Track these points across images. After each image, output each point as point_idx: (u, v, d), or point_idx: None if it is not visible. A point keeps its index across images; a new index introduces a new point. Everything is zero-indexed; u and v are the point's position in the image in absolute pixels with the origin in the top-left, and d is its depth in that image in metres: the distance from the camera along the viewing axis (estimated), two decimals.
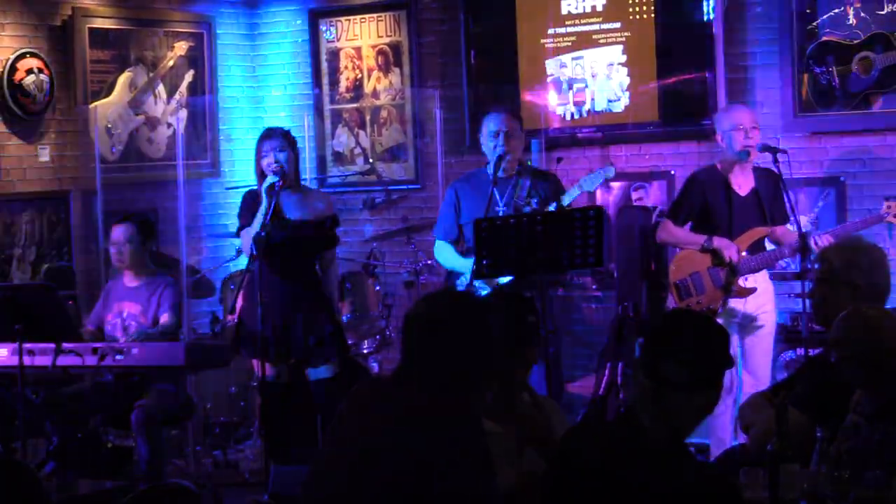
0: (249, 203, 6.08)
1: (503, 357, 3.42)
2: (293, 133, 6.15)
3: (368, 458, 3.14)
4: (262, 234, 5.83)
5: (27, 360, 5.73)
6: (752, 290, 5.97)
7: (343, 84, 8.51)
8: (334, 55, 8.53)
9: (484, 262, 5.48)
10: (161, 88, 8.19)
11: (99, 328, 6.46)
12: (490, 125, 6.05)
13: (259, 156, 6.02)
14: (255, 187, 6.07)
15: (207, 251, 8.52)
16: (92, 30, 7.77)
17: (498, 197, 6.02)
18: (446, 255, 6.22)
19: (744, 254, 5.97)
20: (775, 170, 5.91)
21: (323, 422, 6.12)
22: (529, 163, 6.18)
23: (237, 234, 6.30)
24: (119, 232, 6.40)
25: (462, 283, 6.07)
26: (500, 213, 5.94)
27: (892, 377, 3.56)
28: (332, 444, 3.31)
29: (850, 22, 6.80)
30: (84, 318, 6.81)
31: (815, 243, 5.73)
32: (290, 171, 5.98)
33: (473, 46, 7.93)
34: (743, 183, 6.06)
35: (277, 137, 5.99)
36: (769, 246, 6.11)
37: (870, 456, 3.50)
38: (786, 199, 5.95)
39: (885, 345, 3.56)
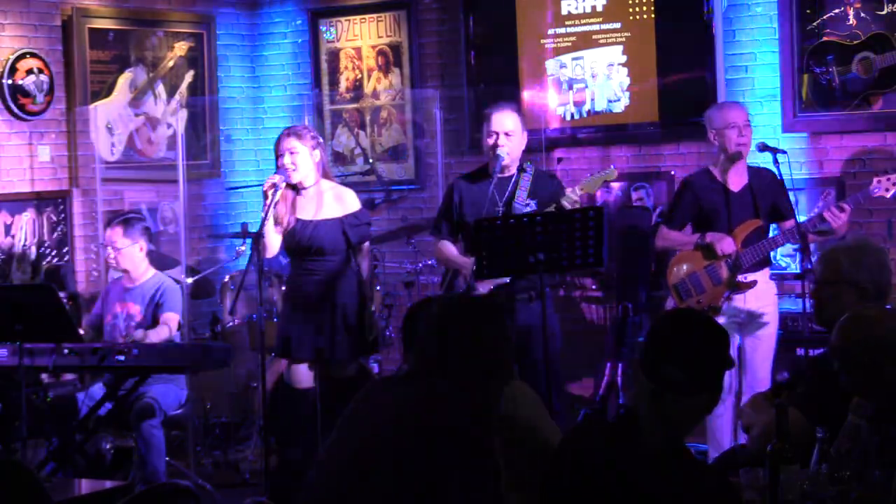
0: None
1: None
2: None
3: (377, 452, 3.14)
4: (262, 234, 5.83)
5: (27, 361, 5.74)
6: (753, 284, 5.94)
7: (343, 84, 8.51)
8: (334, 55, 8.53)
9: (483, 263, 5.48)
10: (161, 88, 8.20)
11: (96, 330, 6.45)
12: (489, 124, 6.03)
13: (276, 154, 5.98)
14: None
15: (207, 252, 8.52)
16: (92, 30, 7.78)
17: (497, 196, 6.00)
18: (449, 253, 6.21)
19: (739, 245, 5.96)
20: (774, 168, 5.90)
21: (327, 420, 6.10)
22: (529, 163, 6.15)
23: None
24: (110, 234, 6.39)
25: (461, 283, 6.07)
26: (500, 213, 5.92)
27: (890, 378, 3.55)
28: (342, 439, 3.30)
29: (850, 22, 6.80)
30: (84, 318, 6.81)
31: (832, 214, 5.74)
32: (305, 172, 5.93)
33: (473, 46, 7.93)
34: (737, 180, 6.06)
35: (292, 139, 5.94)
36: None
37: (870, 456, 3.49)
38: (787, 195, 5.95)
39: (883, 343, 3.55)
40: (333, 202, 6.02)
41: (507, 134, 5.94)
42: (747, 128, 5.98)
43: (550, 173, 6.26)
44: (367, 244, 6.14)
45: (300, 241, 5.92)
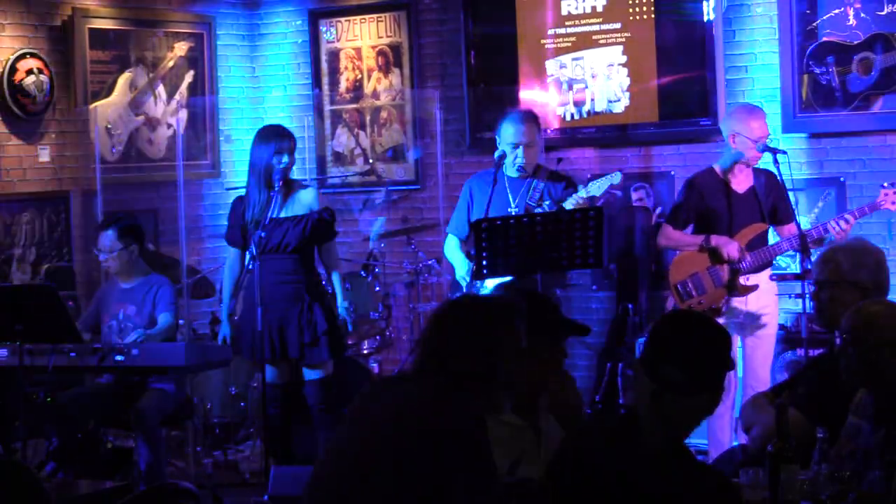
0: (240, 211, 6.08)
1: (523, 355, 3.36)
2: (294, 133, 6.20)
3: (377, 453, 3.13)
4: (263, 234, 5.84)
5: (27, 360, 5.74)
6: (754, 288, 5.96)
7: (343, 84, 8.51)
8: (334, 55, 8.53)
9: (484, 263, 5.48)
10: (161, 89, 8.19)
11: (90, 331, 6.43)
12: (508, 134, 6.03)
13: (270, 153, 5.99)
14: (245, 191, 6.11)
15: (207, 251, 8.52)
16: (92, 30, 7.77)
17: (511, 198, 6.04)
18: (450, 249, 6.25)
19: (743, 250, 5.97)
20: (775, 170, 5.91)
21: (316, 422, 6.12)
22: (543, 165, 6.18)
23: (227, 241, 6.25)
24: (102, 238, 6.37)
25: (461, 277, 6.09)
26: (512, 213, 5.94)
27: (891, 378, 3.55)
28: (343, 439, 3.29)
29: (850, 22, 6.80)
30: (78, 320, 6.80)
31: (837, 228, 5.77)
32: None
33: (473, 46, 7.93)
34: (742, 181, 6.07)
35: (290, 139, 6.04)
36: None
37: (871, 457, 3.50)
38: (788, 199, 5.96)
39: (885, 337, 3.55)
40: (300, 200, 6.07)
41: (527, 145, 5.99)
42: (763, 139, 6.00)
43: (565, 176, 6.27)
44: (334, 241, 6.19)
45: (271, 239, 5.93)
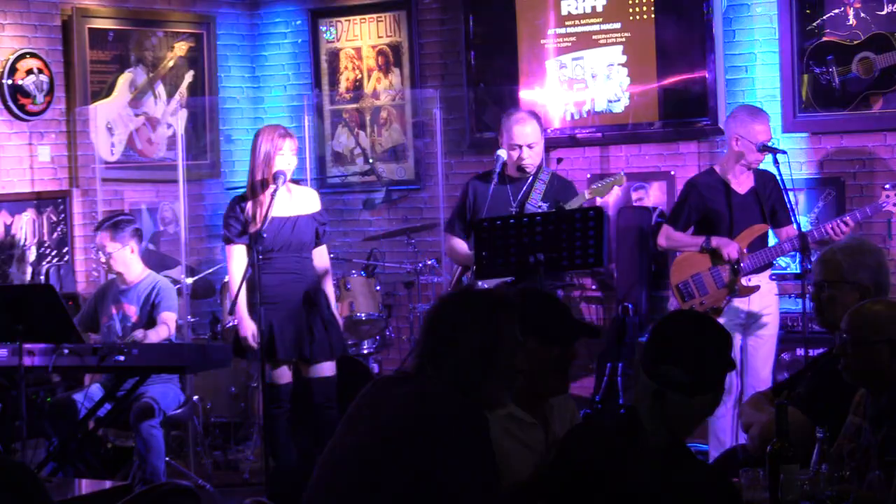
0: (240, 209, 6.07)
1: (523, 353, 3.35)
2: (294, 133, 6.21)
3: (377, 451, 3.13)
4: (265, 234, 5.84)
5: (27, 361, 5.73)
6: (756, 289, 5.97)
7: (343, 84, 8.51)
8: (334, 55, 8.53)
9: (484, 263, 5.48)
10: (161, 88, 8.20)
11: (85, 328, 6.43)
12: (510, 135, 6.01)
13: (274, 152, 5.99)
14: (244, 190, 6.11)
15: (207, 252, 8.52)
16: (92, 30, 7.78)
17: (511, 198, 6.04)
18: (457, 248, 6.25)
19: (744, 251, 5.98)
20: (775, 170, 5.92)
21: (320, 420, 6.12)
22: (546, 166, 6.18)
23: (225, 242, 6.22)
24: (101, 238, 6.37)
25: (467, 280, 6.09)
26: (513, 214, 5.94)
27: (892, 373, 3.55)
28: (343, 437, 3.29)
29: (850, 22, 6.80)
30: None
31: (837, 230, 5.77)
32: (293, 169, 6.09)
33: (473, 46, 7.92)
34: (742, 182, 6.08)
35: (291, 138, 6.05)
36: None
37: (871, 457, 3.50)
38: (787, 200, 5.97)
39: (885, 337, 3.55)
40: (303, 199, 6.09)
41: (529, 146, 5.97)
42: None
43: (567, 179, 6.26)
44: (326, 244, 6.26)
45: (279, 237, 5.94)
